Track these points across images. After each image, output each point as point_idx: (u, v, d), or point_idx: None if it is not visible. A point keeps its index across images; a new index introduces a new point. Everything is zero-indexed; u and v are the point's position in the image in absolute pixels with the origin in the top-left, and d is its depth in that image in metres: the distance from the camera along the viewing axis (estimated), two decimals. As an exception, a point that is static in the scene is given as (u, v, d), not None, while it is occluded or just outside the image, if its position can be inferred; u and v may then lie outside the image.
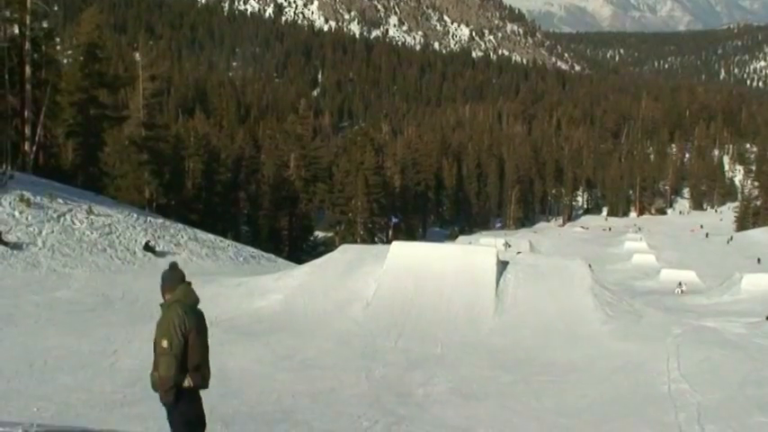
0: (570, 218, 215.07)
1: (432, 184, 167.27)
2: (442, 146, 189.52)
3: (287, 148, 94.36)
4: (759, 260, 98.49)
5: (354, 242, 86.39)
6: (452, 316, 28.65)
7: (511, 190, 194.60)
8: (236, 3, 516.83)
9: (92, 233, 39.52)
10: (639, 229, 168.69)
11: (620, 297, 32.48)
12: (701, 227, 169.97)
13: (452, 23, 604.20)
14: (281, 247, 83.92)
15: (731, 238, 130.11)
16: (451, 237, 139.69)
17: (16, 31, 54.62)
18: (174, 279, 8.84)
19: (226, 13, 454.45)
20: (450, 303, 29.68)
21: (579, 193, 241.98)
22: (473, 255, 32.60)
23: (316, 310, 28.86)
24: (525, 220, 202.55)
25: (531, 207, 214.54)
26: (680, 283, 72.86)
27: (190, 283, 8.99)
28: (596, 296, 30.31)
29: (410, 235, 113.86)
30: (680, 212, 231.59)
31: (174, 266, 9.11)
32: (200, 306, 9.51)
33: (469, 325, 28.24)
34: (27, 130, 54.51)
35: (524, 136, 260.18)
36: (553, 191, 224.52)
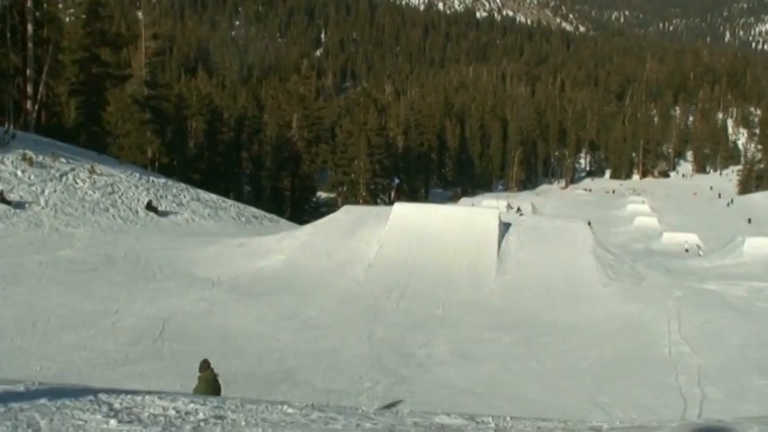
0: (573, 180, 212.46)
1: (434, 146, 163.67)
2: (446, 107, 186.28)
3: (290, 108, 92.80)
4: (750, 220, 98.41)
5: (357, 203, 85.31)
6: (454, 277, 28.67)
7: (514, 151, 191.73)
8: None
9: (94, 193, 39.39)
10: (634, 190, 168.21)
11: (622, 259, 32.46)
12: (711, 188, 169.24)
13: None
14: (284, 207, 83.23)
15: (732, 201, 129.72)
16: (454, 198, 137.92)
17: (18, -11, 54.16)
18: (201, 367, 14.22)
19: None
20: (451, 264, 29.66)
21: (582, 155, 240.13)
22: (476, 216, 32.55)
23: (318, 270, 29.01)
24: (528, 183, 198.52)
25: (534, 169, 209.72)
26: (687, 247, 72.85)
27: (210, 368, 14.28)
28: (598, 258, 30.25)
29: (412, 196, 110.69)
30: (683, 175, 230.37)
31: (204, 362, 14.31)
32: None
33: (471, 286, 28.29)
34: (29, 89, 54.20)
35: (528, 97, 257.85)
36: (556, 153, 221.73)
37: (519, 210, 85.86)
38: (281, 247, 32.32)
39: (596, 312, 25.75)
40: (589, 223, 34.04)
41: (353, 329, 22.69)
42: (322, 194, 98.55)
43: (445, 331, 23.13)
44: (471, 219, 32.29)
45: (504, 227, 32.19)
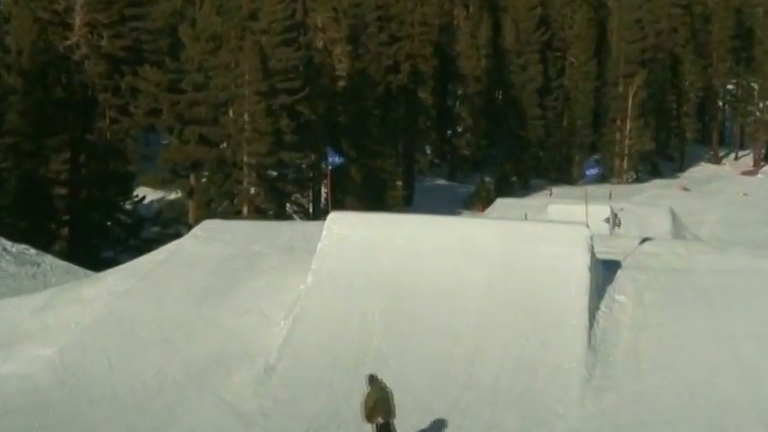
0: None
1: (427, 73, 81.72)
2: None
3: None
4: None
5: (236, 213, 52.48)
6: (478, 398, 15.90)
7: (625, 86, 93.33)
8: None
9: None
10: None
11: None
12: None
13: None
14: (52, 227, 47.41)
15: None
16: (476, 198, 75.06)
17: None
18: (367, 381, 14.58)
19: None
20: (471, 365, 16.55)
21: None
22: (530, 245, 18.68)
23: (141, 385, 17.45)
24: (661, 161, 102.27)
25: (673, 129, 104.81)
26: None
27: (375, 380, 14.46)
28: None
29: (374, 194, 61.58)
30: None
31: (371, 377, 14.56)
32: None
33: (518, 419, 15.40)
34: None
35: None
36: (729, 92, 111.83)
37: (616, 222, 42.60)
38: (47, 326, 19.82)
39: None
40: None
41: None
42: (148, 193, 55.81)
43: None
44: (515, 251, 18.55)
45: (605, 270, 19.28)
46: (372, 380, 14.32)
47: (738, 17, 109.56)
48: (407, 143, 77.45)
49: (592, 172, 21.65)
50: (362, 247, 18.91)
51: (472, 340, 16.84)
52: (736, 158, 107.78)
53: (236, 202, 52.96)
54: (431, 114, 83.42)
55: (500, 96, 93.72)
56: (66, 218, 47.21)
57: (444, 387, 16.01)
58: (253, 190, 52.52)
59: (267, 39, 56.04)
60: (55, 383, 17.91)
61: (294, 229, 24.57)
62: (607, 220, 38.59)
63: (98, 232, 47.55)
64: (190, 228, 28.12)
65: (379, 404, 14.03)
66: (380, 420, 14.11)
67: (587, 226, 18.91)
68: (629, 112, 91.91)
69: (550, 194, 73.70)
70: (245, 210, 51.53)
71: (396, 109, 76.38)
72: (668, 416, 14.99)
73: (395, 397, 14.03)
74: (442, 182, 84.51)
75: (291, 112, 55.96)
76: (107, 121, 51.77)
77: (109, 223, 48.44)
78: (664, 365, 16.33)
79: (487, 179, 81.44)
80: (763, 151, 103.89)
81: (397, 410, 14.88)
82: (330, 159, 21.88)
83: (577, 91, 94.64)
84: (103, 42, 51.36)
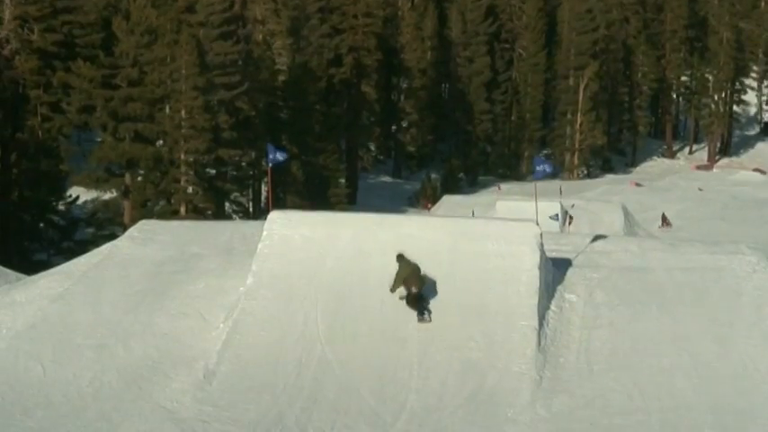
0: (724, 147, 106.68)
1: (371, 65, 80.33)
2: None
3: None
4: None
5: (173, 213, 51.01)
6: (425, 403, 15.36)
7: (574, 78, 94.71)
8: None
9: None
10: None
11: None
12: None
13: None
14: None
15: None
16: (422, 195, 73.66)
17: None
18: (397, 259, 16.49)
19: None
20: (418, 368, 16.19)
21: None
22: (478, 244, 18.29)
23: (76, 392, 16.64)
24: (613, 155, 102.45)
25: (626, 122, 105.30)
26: None
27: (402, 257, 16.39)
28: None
29: (316, 192, 61.15)
30: None
31: (399, 255, 16.45)
32: None
33: (473, 425, 14.75)
34: None
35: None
36: (687, 81, 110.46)
37: (567, 219, 42.94)
38: None
39: None
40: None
41: None
42: (83, 194, 53.73)
43: None
44: (462, 250, 18.14)
45: (555, 269, 18.92)
46: (400, 257, 16.35)
47: (692, 6, 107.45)
48: (350, 139, 75.90)
49: (542, 168, 20.77)
50: (304, 248, 18.36)
51: (418, 343, 16.31)
52: (691, 152, 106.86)
53: (173, 201, 51.60)
54: (375, 109, 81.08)
55: (446, 90, 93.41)
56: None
57: (390, 392, 15.38)
58: (191, 189, 51.10)
59: (204, 32, 54.63)
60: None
61: (233, 230, 23.97)
62: (557, 217, 38.36)
63: (30, 234, 45.86)
64: (125, 229, 27.38)
65: (411, 276, 15.99)
66: (414, 290, 16.07)
67: (537, 223, 18.46)
68: (579, 105, 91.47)
69: (498, 190, 73.77)
70: (182, 209, 50.04)
71: (338, 104, 74.82)
72: (621, 419, 14.48)
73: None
74: (386, 179, 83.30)
75: (230, 108, 54.90)
76: (39, 118, 50.66)
77: (41, 225, 46.63)
78: (616, 366, 15.94)
79: (434, 176, 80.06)
80: (719, 145, 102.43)
81: (341, 416, 14.60)
82: (271, 156, 20.87)
83: (527, 84, 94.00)
84: (34, 36, 49.92)
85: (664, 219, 52.95)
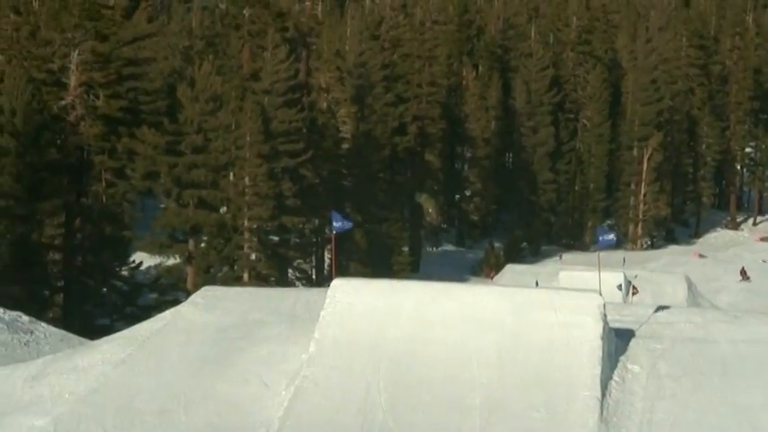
0: None
1: (435, 135, 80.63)
2: (461, 32, 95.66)
3: (65, 35, 45.66)
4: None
5: (236, 279, 50.43)
6: None
7: (639, 149, 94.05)
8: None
9: None
10: None
11: None
12: None
13: None
14: (45, 292, 46.14)
15: None
16: (485, 264, 73.33)
17: None
18: None
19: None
20: None
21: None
22: (541, 313, 18.10)
23: None
24: (676, 226, 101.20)
25: (689, 193, 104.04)
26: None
27: None
28: None
29: (379, 260, 60.15)
30: None
31: None
32: None
33: None
34: None
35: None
36: (748, 155, 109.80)
37: (630, 290, 40.79)
38: (40, 398, 18.33)
39: None
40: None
41: None
42: (145, 259, 52.55)
43: None
44: (525, 319, 17.98)
45: (619, 340, 18.62)
46: None
47: (757, 78, 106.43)
48: (414, 207, 76.00)
49: (606, 238, 20.53)
50: (367, 316, 18.10)
51: (481, 413, 15.96)
52: (755, 224, 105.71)
53: (236, 267, 51.35)
54: (438, 178, 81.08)
55: (510, 159, 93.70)
56: (60, 284, 45.84)
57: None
58: (254, 255, 50.97)
59: (269, 99, 54.93)
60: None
61: (296, 297, 22.78)
62: (620, 288, 38.12)
63: (93, 299, 45.88)
64: (188, 294, 26.93)
65: None
66: None
67: (600, 294, 18.37)
68: (643, 175, 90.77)
69: (560, 260, 73.10)
70: (245, 276, 50.11)
71: (402, 172, 75.17)
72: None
73: None
74: (449, 247, 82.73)
75: (294, 176, 54.82)
76: (103, 184, 50.18)
77: (104, 290, 46.64)
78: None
79: (497, 245, 79.60)
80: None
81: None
82: (336, 224, 21.01)
83: (590, 154, 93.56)
84: (100, 103, 49.29)
85: (743, 272, 54.34)
